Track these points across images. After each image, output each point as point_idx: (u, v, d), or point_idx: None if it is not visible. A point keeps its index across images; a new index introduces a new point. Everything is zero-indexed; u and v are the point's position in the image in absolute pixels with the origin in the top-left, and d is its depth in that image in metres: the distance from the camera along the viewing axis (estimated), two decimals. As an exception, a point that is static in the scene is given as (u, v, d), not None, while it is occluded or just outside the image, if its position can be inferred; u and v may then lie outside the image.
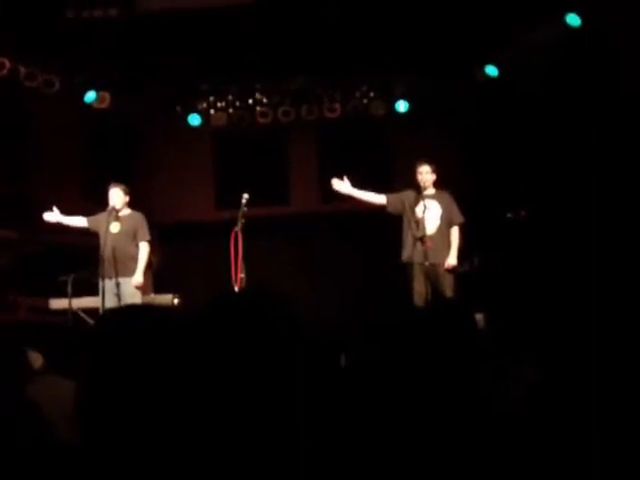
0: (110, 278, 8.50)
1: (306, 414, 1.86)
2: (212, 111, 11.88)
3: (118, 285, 8.49)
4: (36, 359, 4.44)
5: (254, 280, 8.30)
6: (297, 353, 1.90)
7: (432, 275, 8.43)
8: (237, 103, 11.84)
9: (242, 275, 8.38)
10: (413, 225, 8.53)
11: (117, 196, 8.76)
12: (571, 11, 9.93)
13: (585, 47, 9.76)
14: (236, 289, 8.11)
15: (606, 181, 9.46)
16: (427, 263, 8.36)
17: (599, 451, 2.13)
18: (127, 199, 8.85)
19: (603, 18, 9.65)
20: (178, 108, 11.86)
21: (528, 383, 2.76)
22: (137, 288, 8.60)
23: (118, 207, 8.74)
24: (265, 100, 11.80)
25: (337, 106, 11.70)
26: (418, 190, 8.62)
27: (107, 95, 11.27)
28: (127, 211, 8.87)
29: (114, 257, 8.53)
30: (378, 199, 8.81)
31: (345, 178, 8.73)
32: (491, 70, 10.92)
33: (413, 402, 2.26)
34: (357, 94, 11.72)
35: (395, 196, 8.83)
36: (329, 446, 1.94)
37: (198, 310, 1.97)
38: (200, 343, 1.89)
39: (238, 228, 8.48)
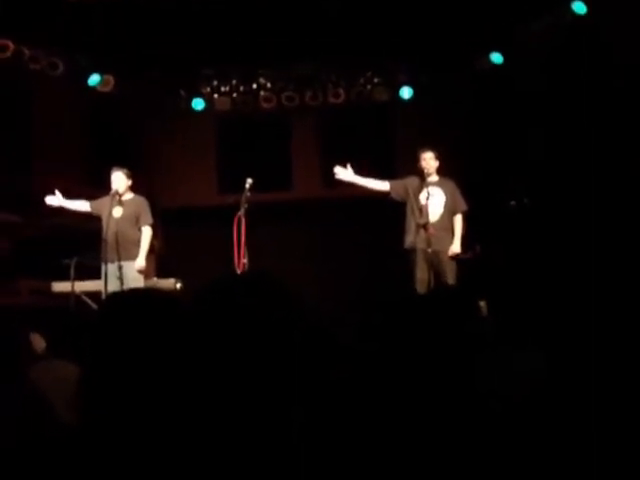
0: (113, 262, 8.50)
1: (302, 398, 1.86)
2: (216, 95, 11.86)
3: (121, 269, 8.50)
4: (39, 342, 4.45)
5: (256, 265, 8.30)
6: (296, 339, 1.90)
7: (435, 262, 8.43)
8: (241, 88, 11.82)
9: (245, 260, 8.37)
10: (416, 212, 8.52)
11: (119, 180, 8.75)
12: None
13: (585, 37, 9.76)
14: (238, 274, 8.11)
15: (608, 170, 9.45)
16: (430, 250, 8.35)
17: (600, 441, 2.13)
18: (130, 183, 8.84)
19: (606, 7, 9.63)
20: (182, 92, 11.85)
21: (530, 371, 2.76)
22: (139, 272, 8.60)
23: (121, 191, 8.74)
24: (269, 85, 11.79)
25: (341, 92, 11.69)
26: (422, 177, 8.60)
27: (111, 78, 11.25)
28: (130, 195, 8.87)
29: (117, 241, 8.53)
30: (381, 186, 8.80)
31: (348, 166, 8.71)
32: (496, 57, 10.89)
33: (413, 390, 2.26)
34: (361, 80, 11.70)
35: (398, 182, 8.81)
36: (325, 434, 1.94)
37: (198, 294, 1.97)
38: (201, 327, 1.89)
39: (241, 213, 8.47)
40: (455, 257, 8.51)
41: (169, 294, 2.06)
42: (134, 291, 2.20)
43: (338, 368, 2.45)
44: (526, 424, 2.27)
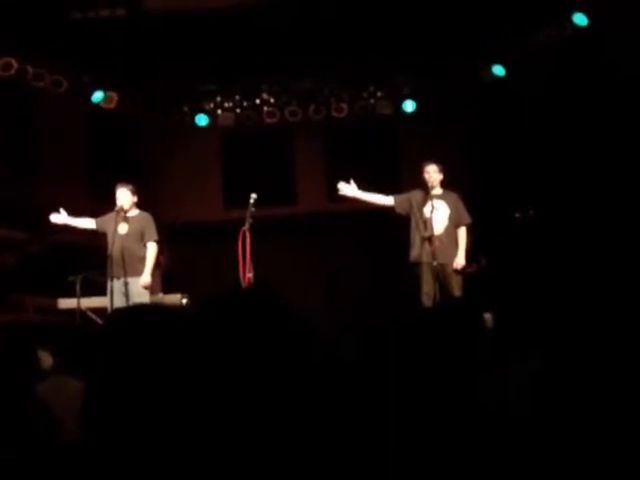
0: (118, 278, 8.51)
1: (305, 414, 1.86)
2: (219, 111, 11.88)
3: (126, 285, 8.50)
4: (45, 359, 4.47)
5: (261, 280, 8.30)
6: (298, 355, 1.90)
7: (440, 275, 8.42)
8: (244, 103, 11.85)
9: (250, 275, 8.38)
10: (421, 225, 8.52)
11: (124, 196, 8.76)
12: (577, 11, 9.96)
13: (589, 48, 9.79)
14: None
15: (613, 180, 9.45)
16: (435, 263, 8.35)
17: (601, 448, 2.13)
18: (135, 199, 8.85)
19: (606, 19, 9.66)
20: (185, 108, 11.87)
21: (534, 383, 2.76)
22: (145, 288, 8.60)
23: (126, 207, 8.74)
24: (272, 100, 11.80)
25: (344, 106, 11.69)
26: (425, 190, 8.61)
27: (114, 95, 11.28)
28: (135, 211, 8.88)
29: (122, 258, 8.53)
30: (385, 201, 8.80)
31: (352, 181, 8.72)
32: (498, 70, 10.92)
33: (418, 404, 2.26)
34: (364, 94, 11.71)
35: (402, 197, 8.82)
36: (330, 448, 1.94)
37: (203, 309, 1.98)
38: (205, 343, 1.89)
39: (246, 228, 8.48)
40: (460, 270, 8.50)
41: (174, 310, 2.06)
42: (138, 307, 2.21)
43: (341, 383, 2.45)
44: (528, 437, 2.27)
